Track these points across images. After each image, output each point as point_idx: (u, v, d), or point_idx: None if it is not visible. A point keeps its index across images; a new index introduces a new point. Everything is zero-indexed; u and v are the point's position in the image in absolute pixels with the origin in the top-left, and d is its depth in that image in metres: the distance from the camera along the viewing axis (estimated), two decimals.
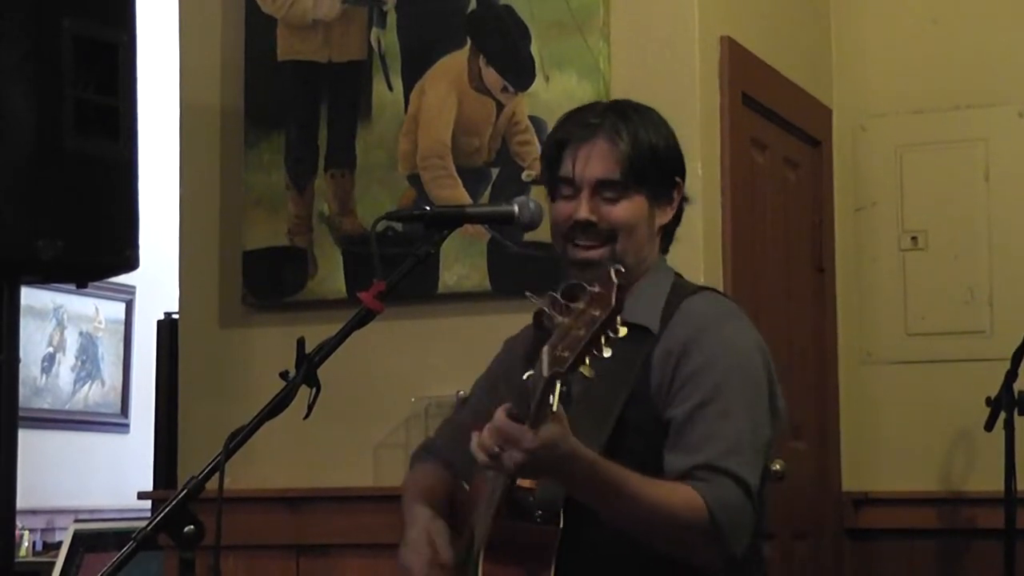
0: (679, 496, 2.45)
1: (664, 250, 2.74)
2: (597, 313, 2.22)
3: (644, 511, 2.42)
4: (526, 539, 2.46)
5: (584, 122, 2.66)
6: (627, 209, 2.63)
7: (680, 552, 2.48)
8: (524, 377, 2.36)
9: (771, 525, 3.04)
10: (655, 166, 2.65)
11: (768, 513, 2.67)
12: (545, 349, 2.24)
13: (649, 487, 2.43)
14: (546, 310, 2.30)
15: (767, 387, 2.61)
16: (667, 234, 2.73)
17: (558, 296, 2.29)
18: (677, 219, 2.73)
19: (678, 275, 2.75)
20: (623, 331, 2.22)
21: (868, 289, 4.94)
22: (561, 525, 2.44)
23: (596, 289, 2.24)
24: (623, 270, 2.27)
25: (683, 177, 2.72)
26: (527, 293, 2.45)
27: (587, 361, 2.22)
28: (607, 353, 2.23)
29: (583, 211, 2.62)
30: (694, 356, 2.55)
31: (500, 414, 2.32)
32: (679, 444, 2.51)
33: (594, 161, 2.62)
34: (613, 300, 2.22)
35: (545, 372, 2.22)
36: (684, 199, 2.73)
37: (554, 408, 2.27)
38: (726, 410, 2.52)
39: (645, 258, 2.67)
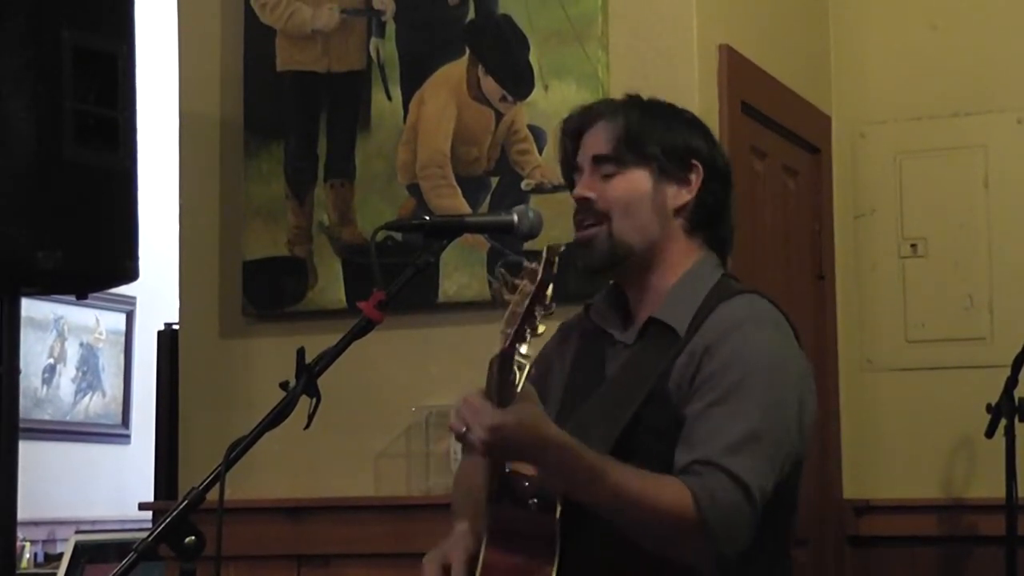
0: (665, 488, 2.40)
1: (709, 242, 2.66)
2: (529, 289, 2.28)
3: (626, 502, 2.38)
4: (526, 528, 2.44)
5: (587, 110, 2.72)
6: (621, 184, 2.62)
7: (668, 549, 2.42)
8: (490, 360, 2.39)
9: None
10: (656, 140, 2.62)
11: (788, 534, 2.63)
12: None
13: (633, 477, 2.39)
14: (500, 288, 2.35)
15: (795, 401, 2.53)
16: (698, 222, 2.65)
17: (506, 273, 2.35)
18: (706, 206, 2.65)
19: (728, 275, 2.67)
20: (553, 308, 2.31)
21: (868, 296, 4.93)
22: (558, 515, 2.42)
23: (532, 265, 2.31)
24: (563, 249, 2.34)
25: (704, 161, 2.64)
26: (489, 279, 2.49)
27: (527, 338, 2.28)
28: (541, 329, 2.30)
29: (579, 187, 2.65)
30: (716, 356, 2.49)
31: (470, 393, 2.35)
32: (684, 440, 2.46)
33: (591, 140, 2.66)
34: (540, 274, 2.29)
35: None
36: (716, 186, 2.65)
37: (518, 386, 2.31)
38: (736, 410, 2.45)
39: (655, 239, 2.61)
